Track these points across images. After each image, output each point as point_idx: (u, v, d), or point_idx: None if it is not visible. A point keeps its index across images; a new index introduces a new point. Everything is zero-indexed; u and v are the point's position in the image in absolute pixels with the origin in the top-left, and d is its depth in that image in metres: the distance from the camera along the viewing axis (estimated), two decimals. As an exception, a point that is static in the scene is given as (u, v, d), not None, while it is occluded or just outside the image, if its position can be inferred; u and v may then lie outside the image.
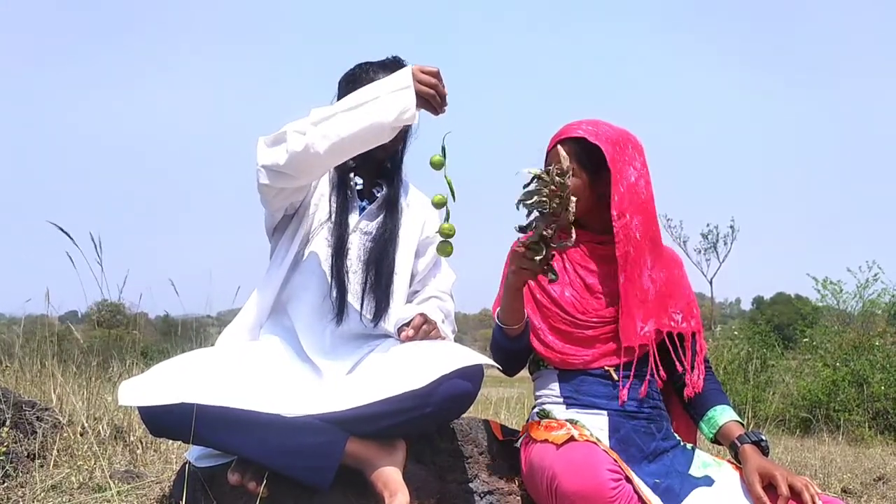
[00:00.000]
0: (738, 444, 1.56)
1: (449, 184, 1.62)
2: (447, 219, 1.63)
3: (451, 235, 1.63)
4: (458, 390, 1.46)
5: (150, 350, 4.54)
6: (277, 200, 1.70)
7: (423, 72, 1.57)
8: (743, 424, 1.63)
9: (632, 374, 1.67)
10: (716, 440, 1.65)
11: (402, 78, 1.55)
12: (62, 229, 2.60)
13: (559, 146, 1.68)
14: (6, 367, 2.98)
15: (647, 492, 1.43)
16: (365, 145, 1.59)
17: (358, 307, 1.73)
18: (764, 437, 1.57)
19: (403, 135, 1.85)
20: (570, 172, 1.48)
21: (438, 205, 1.63)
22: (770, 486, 1.45)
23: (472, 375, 1.48)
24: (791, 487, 1.42)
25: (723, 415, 1.64)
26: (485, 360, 1.52)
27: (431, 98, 1.57)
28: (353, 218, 1.79)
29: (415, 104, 1.54)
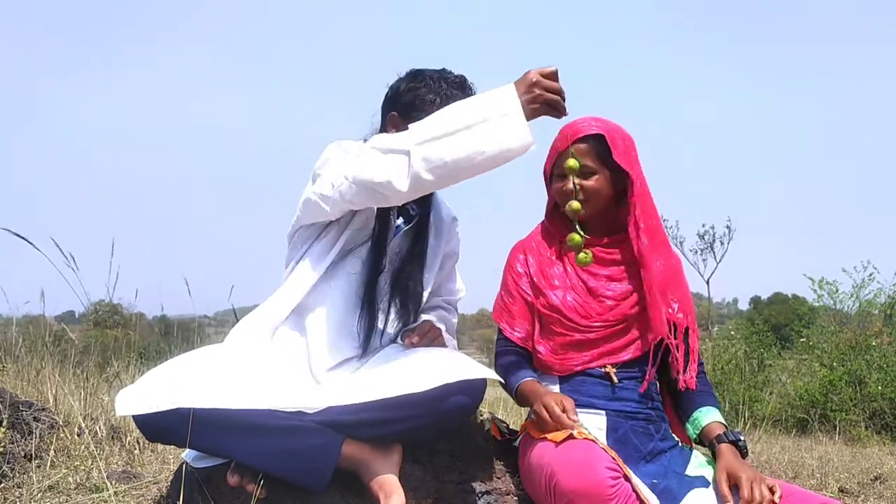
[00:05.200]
0: (716, 444, 1.57)
1: None
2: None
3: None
4: (458, 404, 1.46)
5: (147, 350, 4.52)
6: (339, 212, 1.61)
7: (544, 76, 1.40)
8: (726, 425, 1.63)
9: (636, 372, 1.68)
10: (700, 441, 1.66)
11: (511, 102, 1.38)
12: (20, 236, 2.47)
13: (577, 145, 1.66)
14: (3, 367, 2.97)
15: (645, 491, 1.43)
16: (478, 171, 1.43)
17: (381, 326, 1.71)
18: (742, 438, 1.57)
19: None
20: None
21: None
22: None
23: (475, 389, 1.47)
24: (752, 494, 1.42)
25: (707, 416, 1.65)
26: (489, 374, 1.50)
27: (556, 103, 1.41)
28: (390, 237, 1.74)
29: (527, 132, 1.37)
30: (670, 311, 1.71)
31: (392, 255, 1.74)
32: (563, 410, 1.50)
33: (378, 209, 1.69)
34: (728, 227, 19.21)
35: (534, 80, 1.39)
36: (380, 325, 1.71)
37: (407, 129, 1.54)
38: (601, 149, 1.67)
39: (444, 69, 1.75)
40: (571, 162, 1.63)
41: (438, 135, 1.39)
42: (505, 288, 1.82)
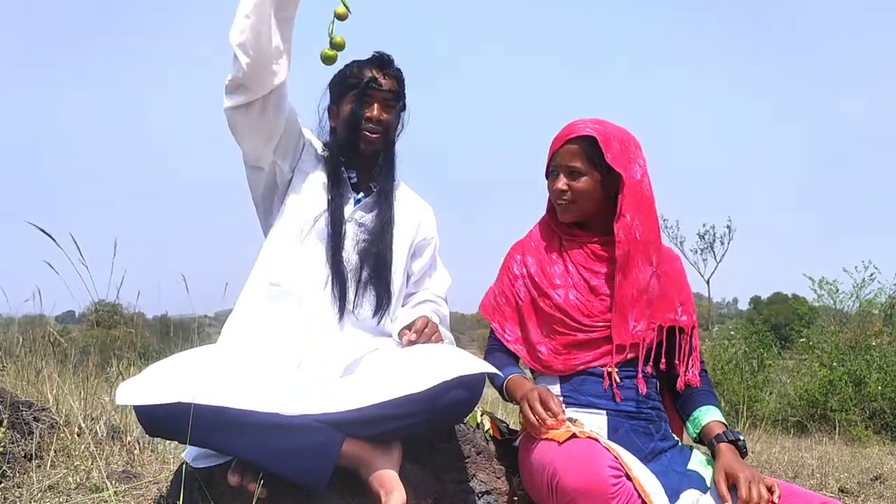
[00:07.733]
0: (715, 443, 1.58)
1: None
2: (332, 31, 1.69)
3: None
4: (457, 398, 1.46)
5: (147, 350, 4.53)
6: (249, 138, 1.70)
7: None
8: (726, 425, 1.64)
9: (636, 371, 1.68)
10: (700, 440, 1.66)
11: None
12: (42, 230, 2.52)
13: (568, 145, 1.70)
14: (3, 367, 2.97)
15: (647, 489, 1.43)
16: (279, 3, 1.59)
17: (352, 298, 1.72)
18: (741, 437, 1.58)
19: (394, 132, 1.85)
20: None
21: (342, 17, 1.67)
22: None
23: (473, 384, 1.47)
24: (749, 494, 1.43)
25: (707, 415, 1.66)
26: (487, 367, 1.50)
27: None
28: (349, 208, 1.79)
29: None
30: (673, 315, 1.73)
31: (357, 227, 1.77)
32: (546, 408, 1.51)
33: (329, 180, 1.77)
34: (728, 227, 19.32)
35: None
36: (352, 294, 1.72)
37: (339, 118, 1.81)
38: (592, 151, 1.68)
39: (374, 53, 1.82)
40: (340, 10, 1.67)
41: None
42: (499, 287, 1.84)
